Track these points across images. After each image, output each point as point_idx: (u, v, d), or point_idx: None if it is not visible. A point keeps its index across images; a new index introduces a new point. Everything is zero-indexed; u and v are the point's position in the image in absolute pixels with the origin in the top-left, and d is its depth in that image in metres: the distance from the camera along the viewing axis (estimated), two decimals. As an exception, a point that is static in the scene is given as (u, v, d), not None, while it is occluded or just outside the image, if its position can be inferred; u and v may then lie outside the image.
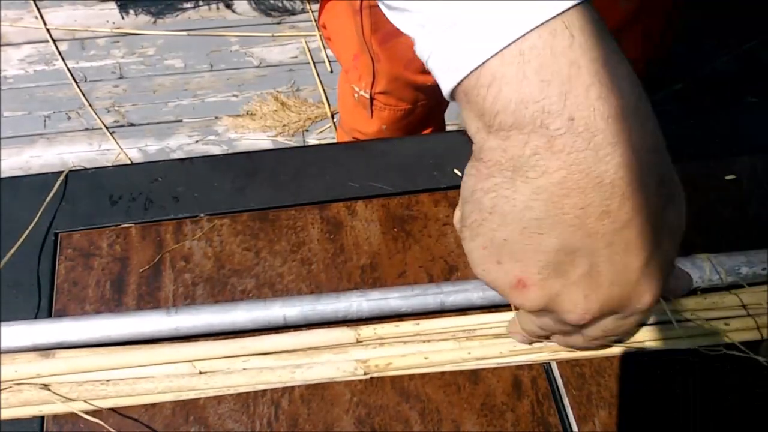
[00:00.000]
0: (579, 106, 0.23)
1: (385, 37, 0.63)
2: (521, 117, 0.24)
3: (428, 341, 0.37)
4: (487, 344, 0.37)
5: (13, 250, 0.39)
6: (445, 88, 0.26)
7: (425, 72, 0.66)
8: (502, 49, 0.23)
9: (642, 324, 0.37)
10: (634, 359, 0.38)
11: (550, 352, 0.37)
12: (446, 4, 0.24)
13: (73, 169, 0.44)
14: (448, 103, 0.80)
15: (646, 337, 0.38)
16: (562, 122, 0.23)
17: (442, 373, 0.37)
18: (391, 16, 0.28)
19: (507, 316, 0.38)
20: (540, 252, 0.26)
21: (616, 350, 0.38)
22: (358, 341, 0.37)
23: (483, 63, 0.24)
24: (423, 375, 0.37)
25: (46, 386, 0.35)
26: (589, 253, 0.26)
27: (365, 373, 0.36)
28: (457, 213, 0.30)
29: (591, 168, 0.24)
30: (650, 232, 0.26)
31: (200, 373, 0.36)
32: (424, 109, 0.73)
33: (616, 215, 0.25)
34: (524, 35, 0.23)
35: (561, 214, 0.25)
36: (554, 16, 0.23)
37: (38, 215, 0.41)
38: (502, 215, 0.26)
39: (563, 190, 0.24)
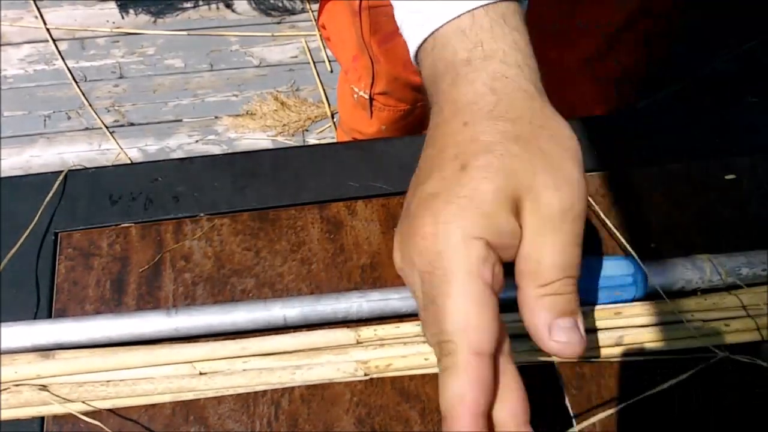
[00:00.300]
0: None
1: (384, 38, 0.63)
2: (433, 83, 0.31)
3: (428, 348, 0.37)
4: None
5: (14, 251, 0.39)
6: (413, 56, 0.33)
7: None
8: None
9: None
10: (635, 359, 0.38)
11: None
12: None
13: (73, 168, 0.44)
14: None
15: (645, 338, 0.38)
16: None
17: (442, 373, 0.37)
18: None
19: (509, 317, 0.38)
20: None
21: (617, 351, 0.38)
22: (358, 342, 0.37)
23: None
24: (423, 375, 0.37)
25: (45, 387, 0.35)
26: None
27: (365, 374, 0.36)
28: None
29: None
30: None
31: (200, 374, 0.36)
32: (424, 109, 0.73)
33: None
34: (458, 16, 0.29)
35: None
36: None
37: (38, 215, 0.41)
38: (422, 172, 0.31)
39: None
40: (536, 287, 0.27)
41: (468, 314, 0.25)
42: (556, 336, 0.26)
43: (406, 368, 0.37)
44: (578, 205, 0.27)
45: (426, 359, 0.37)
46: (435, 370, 0.37)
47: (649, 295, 0.38)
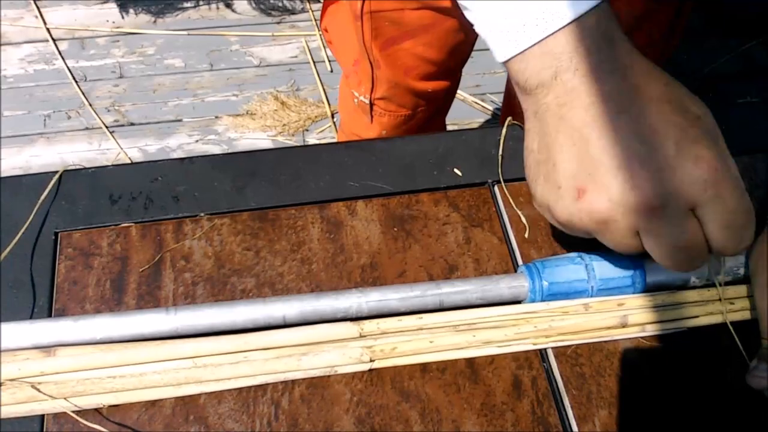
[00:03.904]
0: (581, 62, 0.32)
1: (386, 44, 0.63)
2: (543, 78, 0.33)
3: (431, 335, 0.37)
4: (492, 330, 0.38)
5: (8, 248, 0.39)
6: (499, 60, 0.34)
7: (425, 79, 0.66)
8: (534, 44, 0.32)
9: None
10: (634, 359, 0.38)
11: (556, 336, 0.37)
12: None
13: (69, 168, 0.44)
14: (448, 108, 0.81)
15: (646, 319, 0.38)
16: (570, 74, 0.32)
17: (442, 373, 0.37)
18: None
19: (509, 309, 0.38)
20: (583, 160, 0.32)
21: (618, 347, 0.38)
22: (361, 336, 0.37)
23: (521, 52, 0.33)
24: (423, 375, 0.37)
25: (45, 385, 0.35)
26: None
27: (371, 359, 0.36)
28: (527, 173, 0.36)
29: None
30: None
31: (204, 366, 0.36)
32: (425, 114, 0.73)
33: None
34: (552, 34, 0.31)
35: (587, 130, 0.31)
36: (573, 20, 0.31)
37: (32, 214, 0.41)
38: (547, 148, 0.33)
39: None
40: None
41: None
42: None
43: (411, 352, 0.37)
44: None
45: (431, 342, 0.37)
46: (440, 357, 0.37)
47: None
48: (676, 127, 0.31)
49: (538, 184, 0.34)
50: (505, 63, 0.34)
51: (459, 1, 0.35)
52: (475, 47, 0.67)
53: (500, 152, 0.46)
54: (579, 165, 0.32)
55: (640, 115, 0.31)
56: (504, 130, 0.46)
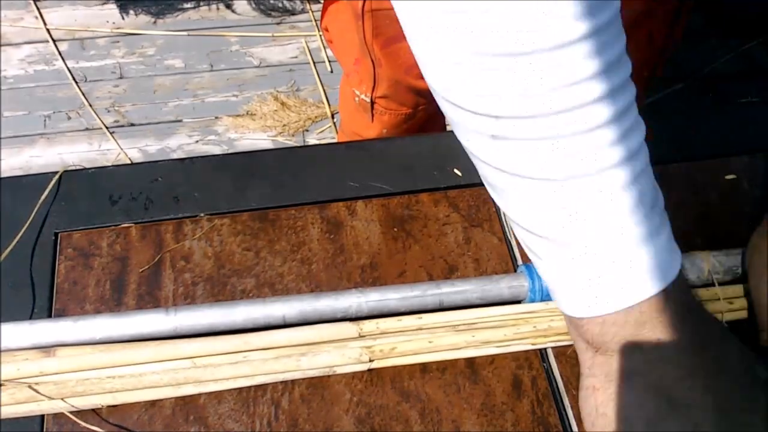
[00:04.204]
0: (662, 335, 0.30)
1: (387, 42, 0.63)
2: (618, 344, 0.31)
3: (431, 335, 0.37)
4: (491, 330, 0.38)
5: (9, 249, 0.39)
6: (566, 313, 0.33)
7: None
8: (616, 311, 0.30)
9: None
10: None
11: (555, 335, 0.38)
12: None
13: (69, 169, 0.44)
14: None
15: None
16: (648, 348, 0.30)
17: (442, 373, 0.37)
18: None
19: (509, 309, 0.38)
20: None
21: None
22: (360, 336, 0.37)
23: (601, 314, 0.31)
24: (423, 375, 0.37)
25: (45, 385, 0.35)
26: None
27: (370, 359, 0.36)
28: None
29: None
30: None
31: (204, 366, 0.36)
32: (426, 113, 0.73)
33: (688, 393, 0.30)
34: (637, 304, 0.30)
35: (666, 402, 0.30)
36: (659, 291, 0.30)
37: (32, 215, 0.41)
38: (624, 417, 0.31)
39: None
40: None
41: None
42: None
43: (411, 352, 0.37)
44: None
45: (430, 342, 0.37)
46: (439, 354, 0.37)
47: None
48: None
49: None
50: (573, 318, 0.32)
51: (528, 253, 0.34)
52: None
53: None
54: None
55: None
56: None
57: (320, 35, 1.51)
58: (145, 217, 0.42)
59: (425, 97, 0.69)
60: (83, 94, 1.43)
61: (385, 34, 0.62)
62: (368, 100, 0.71)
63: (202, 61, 1.49)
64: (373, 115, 0.73)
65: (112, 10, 1.52)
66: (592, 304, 0.31)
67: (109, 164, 1.30)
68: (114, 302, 0.39)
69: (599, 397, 0.32)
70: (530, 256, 0.34)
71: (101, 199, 0.43)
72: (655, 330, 0.30)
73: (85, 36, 1.50)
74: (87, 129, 1.42)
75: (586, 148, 0.28)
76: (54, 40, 1.48)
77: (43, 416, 0.35)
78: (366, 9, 0.60)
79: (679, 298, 0.31)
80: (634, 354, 0.31)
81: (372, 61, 0.65)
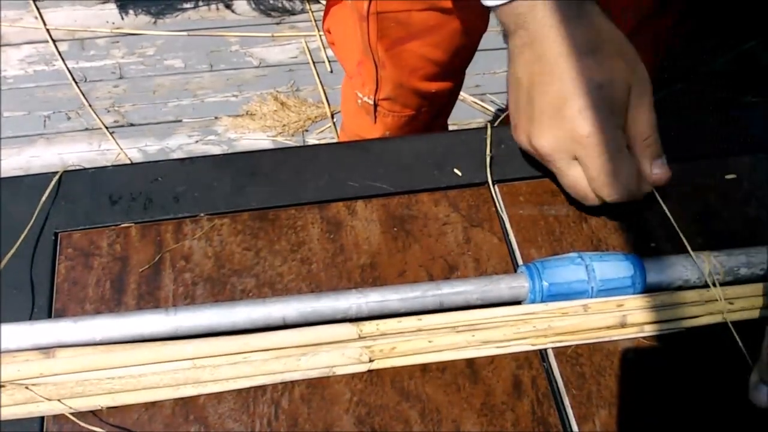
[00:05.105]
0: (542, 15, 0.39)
1: (391, 44, 0.63)
2: (520, 23, 0.40)
3: (430, 335, 0.37)
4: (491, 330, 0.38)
5: (12, 250, 0.39)
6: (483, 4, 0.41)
7: (430, 79, 0.66)
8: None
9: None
10: (635, 359, 0.38)
11: (554, 336, 0.37)
12: None
13: (69, 169, 0.44)
14: (451, 109, 0.81)
15: (645, 319, 0.38)
16: (535, 25, 0.39)
17: (442, 373, 0.37)
18: None
19: (508, 310, 0.38)
20: (523, 103, 0.41)
21: (618, 347, 0.38)
22: (360, 337, 0.37)
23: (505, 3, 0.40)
24: (423, 375, 0.37)
25: (44, 386, 0.35)
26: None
27: (370, 360, 0.36)
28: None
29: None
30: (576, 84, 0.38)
31: (204, 366, 0.36)
32: (428, 115, 0.73)
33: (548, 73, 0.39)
34: None
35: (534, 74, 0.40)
36: None
37: (34, 215, 0.41)
38: (514, 81, 0.41)
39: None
40: (641, 141, 0.40)
41: None
42: (655, 170, 0.40)
43: (411, 352, 0.37)
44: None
45: (430, 342, 0.37)
46: (439, 357, 0.37)
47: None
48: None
49: (520, 112, 0.41)
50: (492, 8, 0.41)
51: None
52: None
53: (488, 152, 0.46)
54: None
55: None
56: (489, 131, 0.46)
57: (320, 35, 1.51)
58: (145, 217, 0.42)
59: (428, 99, 0.70)
60: (83, 95, 1.43)
61: (390, 36, 0.62)
62: (371, 102, 0.71)
63: (201, 62, 1.48)
64: (376, 117, 0.73)
65: (112, 10, 1.52)
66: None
67: (109, 164, 1.30)
68: (114, 302, 0.39)
69: (510, 68, 0.42)
70: None
71: (101, 199, 0.43)
72: (536, 13, 0.39)
73: (84, 36, 1.50)
74: (87, 129, 1.41)
75: None
76: (54, 41, 1.48)
77: (43, 417, 0.35)
78: (371, 11, 0.60)
79: None
80: (520, 33, 0.40)
81: (375, 63, 0.65)
